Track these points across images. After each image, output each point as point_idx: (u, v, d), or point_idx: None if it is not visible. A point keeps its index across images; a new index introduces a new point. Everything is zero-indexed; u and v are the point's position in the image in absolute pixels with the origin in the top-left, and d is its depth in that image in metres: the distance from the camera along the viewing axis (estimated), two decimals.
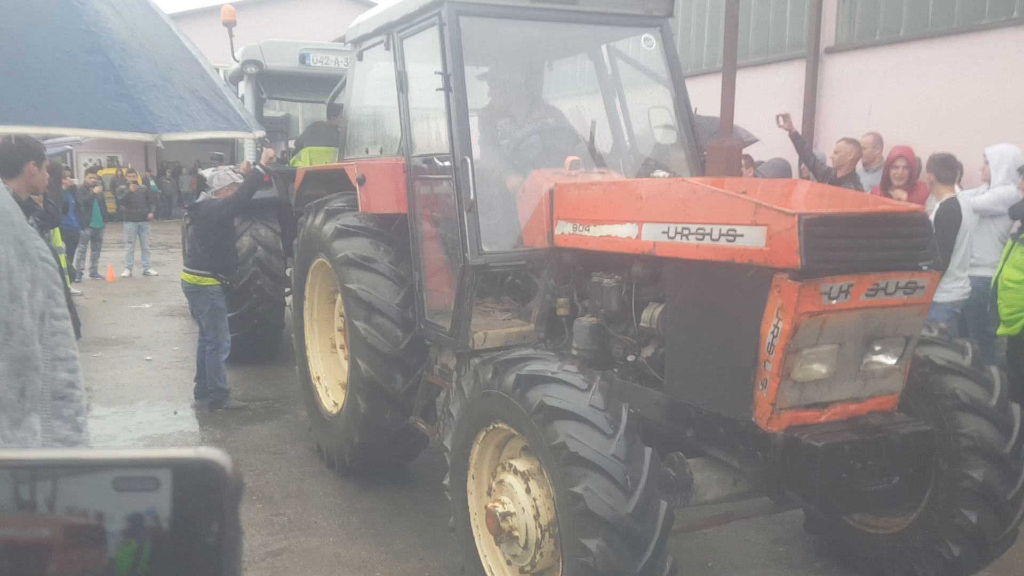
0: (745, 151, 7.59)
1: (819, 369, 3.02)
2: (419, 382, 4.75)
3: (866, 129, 7.64)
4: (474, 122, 4.75)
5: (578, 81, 6.09)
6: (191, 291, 6.74)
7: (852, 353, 3.05)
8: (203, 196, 7.04)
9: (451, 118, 4.20)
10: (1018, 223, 5.65)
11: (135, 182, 15.93)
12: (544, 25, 4.70)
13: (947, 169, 5.85)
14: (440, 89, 4.22)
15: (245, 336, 7.80)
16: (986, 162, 6.10)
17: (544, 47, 5.24)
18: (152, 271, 14.92)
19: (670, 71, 4.79)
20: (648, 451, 2.96)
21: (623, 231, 3.67)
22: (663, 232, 3.42)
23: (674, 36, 4.81)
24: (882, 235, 2.96)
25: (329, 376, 5.74)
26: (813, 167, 7.25)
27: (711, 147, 4.42)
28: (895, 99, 8.29)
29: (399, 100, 4.77)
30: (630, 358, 3.81)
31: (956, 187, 5.97)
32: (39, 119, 1.80)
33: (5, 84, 1.68)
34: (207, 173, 8.21)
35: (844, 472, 2.95)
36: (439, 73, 4.22)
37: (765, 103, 8.89)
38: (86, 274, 14.12)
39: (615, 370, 3.93)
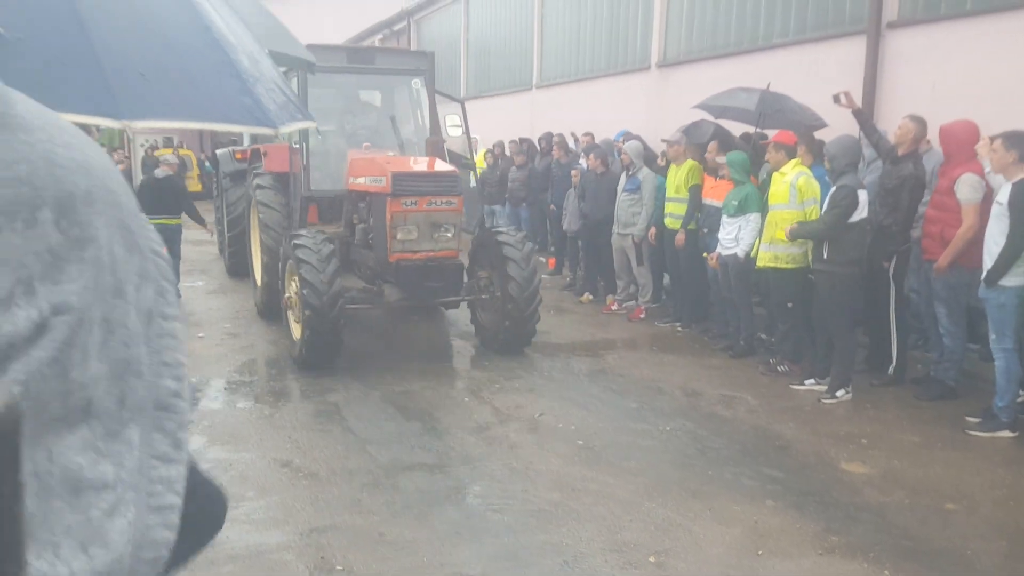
0: (816, 135, 7.45)
1: (411, 235, 7.27)
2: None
3: (930, 107, 7.33)
4: (330, 123, 9.13)
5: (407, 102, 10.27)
6: None
7: (427, 230, 7.31)
8: None
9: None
10: None
11: (127, 158, 17.33)
12: (360, 76, 8.99)
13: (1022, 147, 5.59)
14: None
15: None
16: None
17: (374, 85, 9.55)
18: None
19: (429, 102, 9.03)
20: (339, 281, 7.13)
21: (363, 180, 7.94)
22: (368, 180, 7.69)
23: (434, 80, 9.04)
24: (432, 180, 7.23)
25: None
26: (877, 144, 7.03)
27: (427, 140, 8.62)
28: (961, 76, 7.86)
29: None
30: (371, 241, 8.08)
31: None
32: (193, 114, 1.80)
33: (160, 80, 1.67)
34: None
35: (415, 279, 7.23)
36: None
37: (824, 80, 8.90)
38: None
39: (371, 251, 8.15)
